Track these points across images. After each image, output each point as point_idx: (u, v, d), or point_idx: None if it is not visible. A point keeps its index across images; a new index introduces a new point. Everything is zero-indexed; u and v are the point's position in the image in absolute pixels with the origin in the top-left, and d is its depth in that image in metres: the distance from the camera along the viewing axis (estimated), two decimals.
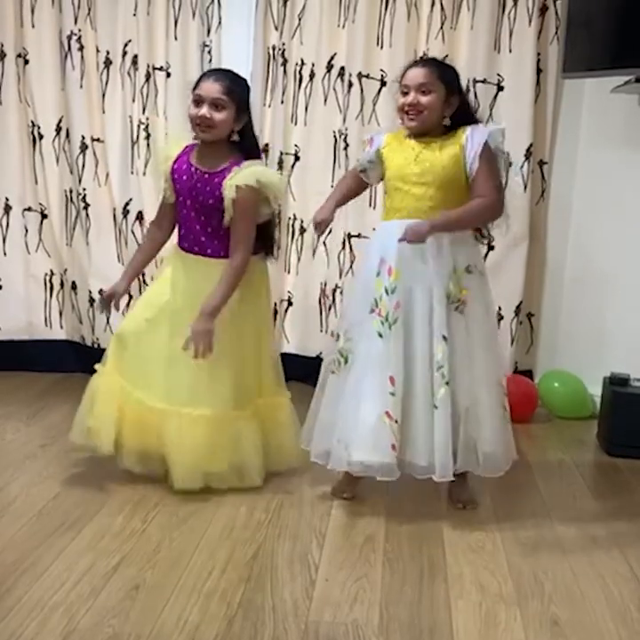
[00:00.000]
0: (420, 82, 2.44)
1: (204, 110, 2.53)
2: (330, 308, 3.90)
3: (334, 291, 3.87)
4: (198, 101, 2.55)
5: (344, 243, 3.78)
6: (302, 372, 3.98)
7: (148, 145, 3.77)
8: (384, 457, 2.45)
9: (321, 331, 3.95)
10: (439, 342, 2.46)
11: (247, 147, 2.65)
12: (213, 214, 2.60)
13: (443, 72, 2.49)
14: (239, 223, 2.59)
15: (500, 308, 3.69)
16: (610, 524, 2.56)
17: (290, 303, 3.99)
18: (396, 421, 2.45)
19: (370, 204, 3.72)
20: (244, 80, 2.68)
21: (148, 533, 2.36)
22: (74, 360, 3.91)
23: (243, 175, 2.55)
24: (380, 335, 2.49)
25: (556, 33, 3.53)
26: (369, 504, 2.61)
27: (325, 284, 3.89)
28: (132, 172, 3.80)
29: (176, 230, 2.73)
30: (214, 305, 2.55)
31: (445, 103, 2.47)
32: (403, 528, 2.47)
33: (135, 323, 2.69)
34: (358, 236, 3.74)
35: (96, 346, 3.88)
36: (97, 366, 2.72)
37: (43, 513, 2.47)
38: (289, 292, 3.98)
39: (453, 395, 2.47)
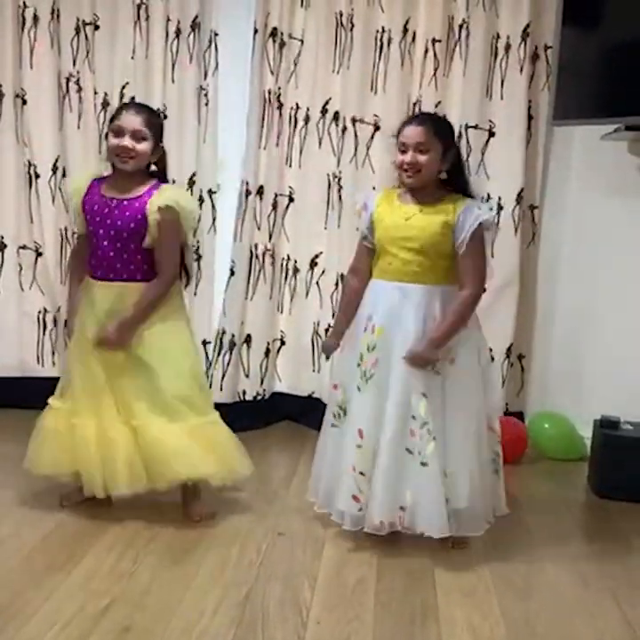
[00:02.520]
0: (417, 140, 2.49)
1: (126, 141, 2.60)
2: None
3: (327, 331, 3.88)
4: (118, 132, 2.61)
5: (337, 283, 3.81)
6: (294, 410, 4.00)
7: None
8: (348, 507, 2.57)
9: (313, 370, 3.96)
10: (420, 399, 2.50)
11: (161, 174, 2.76)
12: (131, 239, 2.65)
13: (439, 129, 2.54)
14: (164, 244, 2.67)
15: (491, 350, 3.71)
16: (600, 567, 2.56)
17: (282, 342, 4.01)
18: (361, 473, 2.55)
19: None
20: (159, 113, 2.81)
21: (138, 574, 2.35)
22: None
23: (166, 196, 2.65)
24: (359, 389, 2.58)
25: (547, 80, 3.60)
26: (361, 546, 2.60)
27: (318, 324, 3.91)
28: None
29: (91, 262, 2.73)
30: (132, 321, 2.64)
31: (442, 159, 2.52)
32: (395, 570, 2.46)
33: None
34: None
35: None
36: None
37: (33, 553, 2.46)
38: (282, 331, 4.00)
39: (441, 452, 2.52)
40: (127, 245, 2.65)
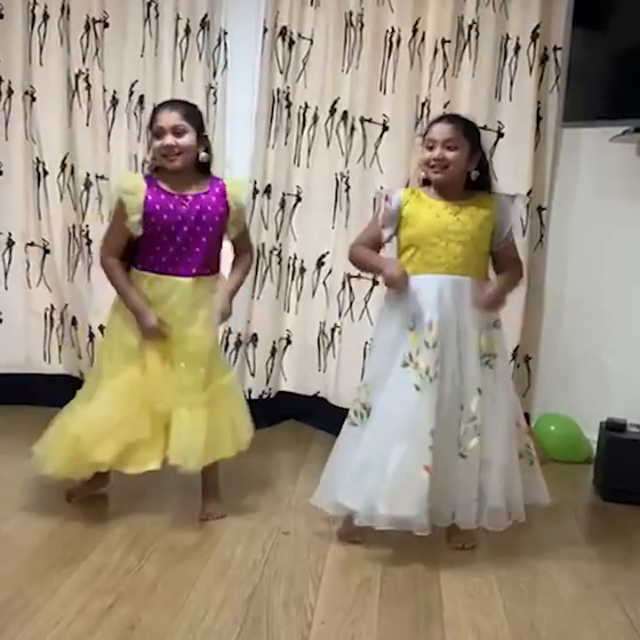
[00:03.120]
0: (446, 137, 2.51)
1: (169, 139, 2.59)
2: (328, 348, 3.92)
3: (333, 330, 3.89)
4: (159, 133, 2.61)
5: (344, 283, 3.81)
6: (299, 410, 4.01)
7: None
8: (421, 511, 2.45)
9: (319, 370, 3.97)
10: (474, 394, 2.53)
11: (208, 165, 2.74)
12: (216, 232, 2.68)
13: (467, 129, 2.56)
14: (245, 229, 2.83)
15: None
16: (605, 570, 2.56)
17: (288, 342, 4.02)
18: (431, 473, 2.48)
19: None
20: (195, 105, 2.78)
21: (143, 572, 2.35)
22: (72, 395, 3.88)
23: (237, 185, 2.73)
24: (418, 388, 2.49)
25: (556, 82, 3.59)
26: (365, 545, 2.60)
27: (324, 324, 3.92)
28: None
29: (152, 259, 2.67)
30: (233, 289, 2.75)
31: (469, 159, 2.55)
32: (399, 570, 2.46)
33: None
34: (358, 276, 3.76)
35: None
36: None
37: (39, 550, 2.47)
38: (288, 330, 4.00)
39: (484, 447, 2.54)
40: (212, 238, 2.67)
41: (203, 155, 2.68)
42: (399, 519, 2.46)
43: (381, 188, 3.51)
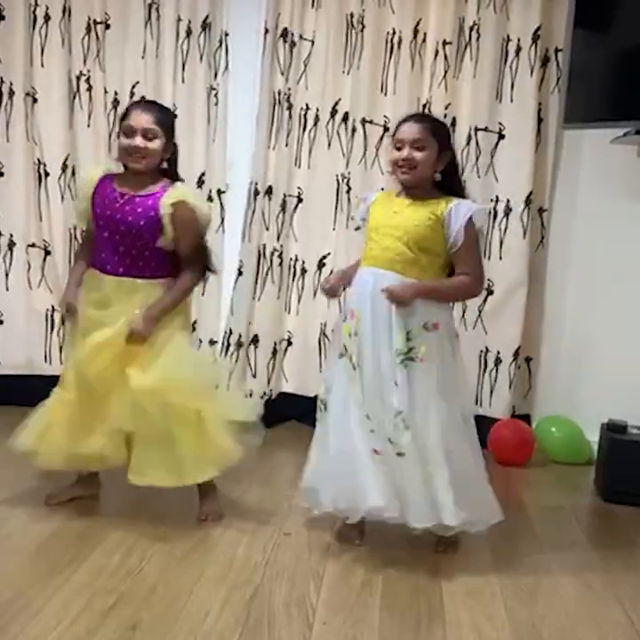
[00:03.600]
0: (414, 137, 2.47)
1: (138, 140, 2.59)
2: (329, 349, 3.92)
3: (333, 331, 3.88)
4: (129, 132, 2.60)
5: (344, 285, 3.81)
6: (300, 411, 4.00)
7: None
8: (385, 498, 2.46)
9: (320, 371, 3.96)
10: (392, 389, 2.47)
11: (173, 173, 2.74)
12: (140, 236, 2.63)
13: (436, 128, 2.53)
14: (185, 240, 2.67)
15: (498, 353, 3.72)
16: (606, 571, 2.56)
17: (289, 343, 4.01)
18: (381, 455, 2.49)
19: None
20: (170, 110, 2.78)
21: (144, 573, 2.35)
22: None
23: (179, 193, 2.65)
24: (351, 378, 2.54)
25: (557, 83, 3.60)
26: (367, 547, 2.60)
27: (325, 325, 3.92)
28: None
29: (92, 253, 2.73)
30: (153, 313, 2.62)
31: (437, 159, 2.50)
32: (401, 572, 2.46)
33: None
34: None
35: None
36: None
37: (40, 550, 2.47)
38: (289, 331, 4.00)
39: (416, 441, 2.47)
40: (136, 243, 2.64)
41: (165, 164, 2.70)
42: (380, 508, 2.46)
43: (382, 189, 3.51)
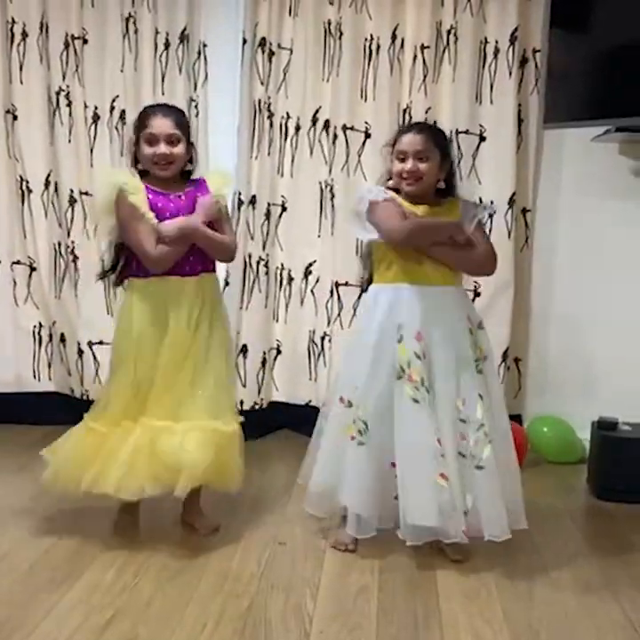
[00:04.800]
0: (417, 149, 2.51)
1: (163, 148, 2.56)
2: (319, 356, 3.92)
3: (323, 338, 3.89)
4: (152, 140, 2.56)
5: (332, 291, 3.81)
6: (291, 419, 3.99)
7: None
8: (443, 519, 2.44)
9: (310, 379, 3.96)
10: (476, 401, 2.50)
11: (191, 172, 2.72)
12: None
13: (437, 138, 2.57)
14: (226, 224, 2.71)
15: None
16: (603, 570, 2.56)
17: (278, 351, 4.01)
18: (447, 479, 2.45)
19: (357, 253, 3.75)
20: (182, 110, 2.74)
21: (139, 587, 2.34)
22: (63, 412, 3.86)
23: (221, 178, 2.72)
24: (416, 401, 2.48)
25: (536, 84, 3.62)
26: (361, 554, 2.60)
27: (314, 332, 3.92)
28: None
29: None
30: (206, 235, 2.59)
31: (440, 168, 2.56)
32: (396, 577, 2.45)
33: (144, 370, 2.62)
34: (345, 284, 3.77)
35: (85, 398, 3.87)
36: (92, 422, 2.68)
37: (33, 568, 2.45)
38: (277, 340, 4.00)
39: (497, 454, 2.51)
40: None
41: (190, 165, 2.68)
42: (424, 529, 2.46)
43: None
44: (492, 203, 3.65)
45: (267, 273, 3.90)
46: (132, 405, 2.61)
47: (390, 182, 2.61)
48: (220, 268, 3.79)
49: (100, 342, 3.83)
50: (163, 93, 3.77)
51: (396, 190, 2.60)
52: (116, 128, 3.79)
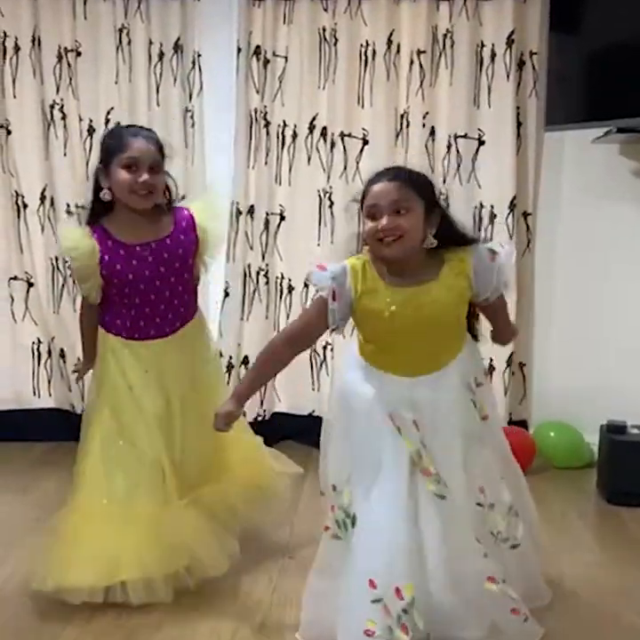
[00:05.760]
0: (393, 199, 1.96)
1: (146, 176, 2.28)
2: (321, 366, 3.89)
3: (325, 348, 3.86)
4: (132, 165, 2.28)
5: None
6: (295, 430, 3.96)
7: None
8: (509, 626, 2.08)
9: (312, 388, 3.93)
10: (501, 483, 2.14)
11: (168, 200, 2.46)
12: (186, 271, 2.42)
13: (416, 182, 2.01)
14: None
15: (491, 360, 3.69)
16: (618, 576, 2.53)
17: None
18: (504, 581, 2.05)
19: None
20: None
21: (150, 608, 2.27)
22: (64, 428, 3.84)
23: (207, 214, 2.46)
24: (443, 497, 2.02)
25: (535, 86, 3.59)
26: None
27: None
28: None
29: (127, 324, 2.41)
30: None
31: (426, 221, 2.00)
32: None
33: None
34: None
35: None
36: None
37: (38, 592, 2.39)
38: None
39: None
40: (184, 281, 2.42)
41: (165, 197, 2.42)
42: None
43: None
44: (492, 207, 3.64)
45: (267, 283, 3.87)
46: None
47: (366, 248, 2.08)
48: (219, 279, 3.79)
49: None
50: (158, 104, 3.74)
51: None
52: None
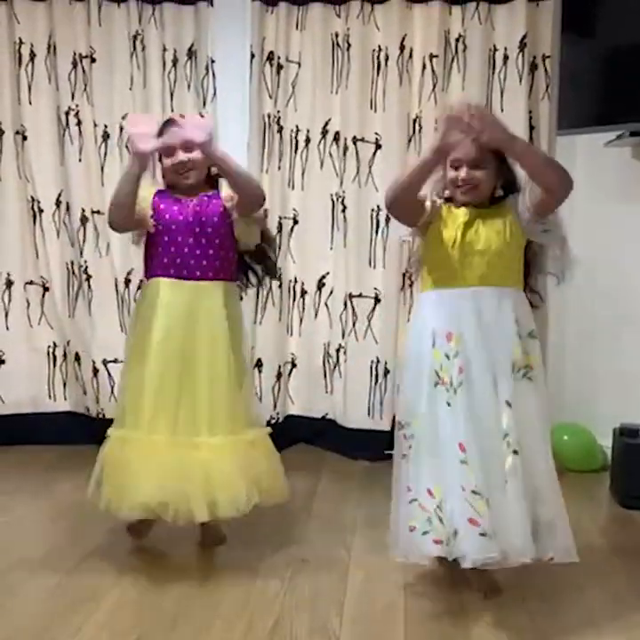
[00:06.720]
0: (474, 156, 2.33)
1: (180, 156, 2.56)
2: (334, 369, 3.90)
3: (338, 351, 3.87)
4: (169, 151, 2.57)
5: (345, 303, 3.80)
6: (308, 433, 3.98)
7: None
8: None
9: (326, 391, 3.95)
10: (503, 408, 2.31)
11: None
12: (217, 234, 2.60)
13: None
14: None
15: None
16: (633, 580, 2.52)
17: (294, 365, 3.99)
18: (474, 492, 2.23)
19: (370, 264, 3.76)
20: (203, 116, 2.75)
21: (164, 608, 2.31)
22: (79, 432, 3.88)
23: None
24: (449, 404, 2.31)
25: (547, 90, 3.60)
26: (386, 569, 2.53)
27: (329, 345, 3.90)
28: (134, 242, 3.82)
29: (156, 262, 2.63)
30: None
31: (497, 176, 2.40)
32: (423, 592, 2.41)
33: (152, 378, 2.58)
34: (359, 295, 3.76)
35: (101, 416, 3.86)
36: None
37: (57, 590, 2.42)
38: (292, 354, 3.98)
39: (523, 467, 2.29)
40: (213, 241, 2.59)
41: (214, 169, 2.64)
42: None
43: (377, 206, 3.45)
44: None
45: (280, 286, 3.88)
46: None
47: (446, 192, 2.45)
48: None
49: (115, 360, 3.81)
50: (172, 110, 3.77)
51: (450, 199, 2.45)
52: (126, 146, 3.77)
